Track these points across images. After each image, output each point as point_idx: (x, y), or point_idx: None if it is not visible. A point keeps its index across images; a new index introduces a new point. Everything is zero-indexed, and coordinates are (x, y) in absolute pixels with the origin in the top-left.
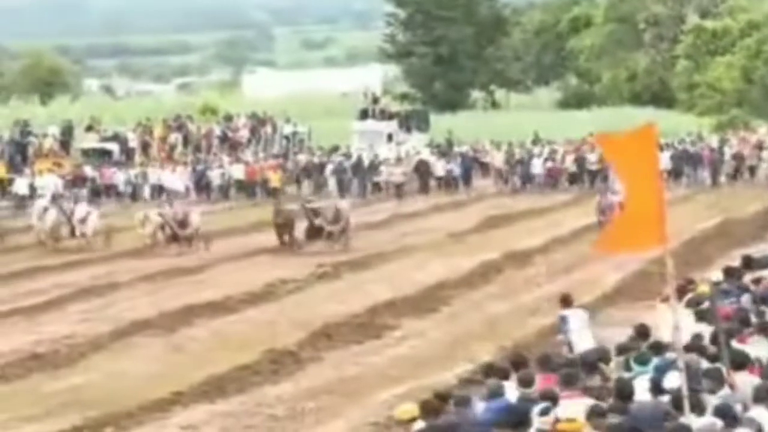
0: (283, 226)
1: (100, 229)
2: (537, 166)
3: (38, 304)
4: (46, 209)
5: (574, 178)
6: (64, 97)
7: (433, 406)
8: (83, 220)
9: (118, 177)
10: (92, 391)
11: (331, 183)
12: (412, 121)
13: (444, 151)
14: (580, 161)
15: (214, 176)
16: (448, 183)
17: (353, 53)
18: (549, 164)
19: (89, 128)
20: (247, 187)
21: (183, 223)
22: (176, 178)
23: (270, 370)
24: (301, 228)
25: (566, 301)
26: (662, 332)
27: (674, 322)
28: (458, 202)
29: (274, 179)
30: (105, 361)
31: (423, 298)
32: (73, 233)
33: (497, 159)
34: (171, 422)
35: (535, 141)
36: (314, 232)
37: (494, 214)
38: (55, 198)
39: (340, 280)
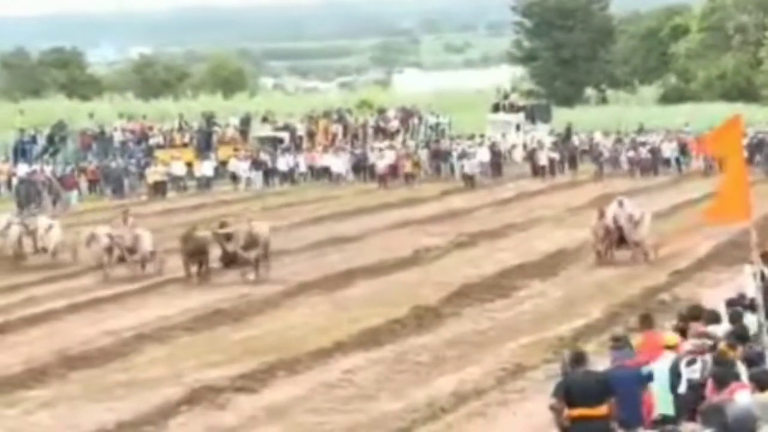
0: (193, 254)
1: (63, 242)
2: (642, 153)
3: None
4: (9, 225)
5: (670, 163)
6: (243, 93)
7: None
8: (46, 233)
9: (287, 161)
10: (267, 340)
11: (457, 166)
12: (537, 114)
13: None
14: (682, 148)
15: (382, 162)
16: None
17: (487, 56)
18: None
19: (264, 119)
20: (394, 172)
21: (132, 249)
22: (338, 162)
23: (416, 324)
24: (215, 255)
25: None
26: (748, 291)
27: (757, 283)
28: (574, 183)
29: (408, 165)
30: (277, 316)
31: (545, 263)
32: (36, 248)
33: (607, 146)
34: (333, 367)
35: (640, 131)
36: (230, 259)
37: (605, 192)
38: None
39: (476, 247)
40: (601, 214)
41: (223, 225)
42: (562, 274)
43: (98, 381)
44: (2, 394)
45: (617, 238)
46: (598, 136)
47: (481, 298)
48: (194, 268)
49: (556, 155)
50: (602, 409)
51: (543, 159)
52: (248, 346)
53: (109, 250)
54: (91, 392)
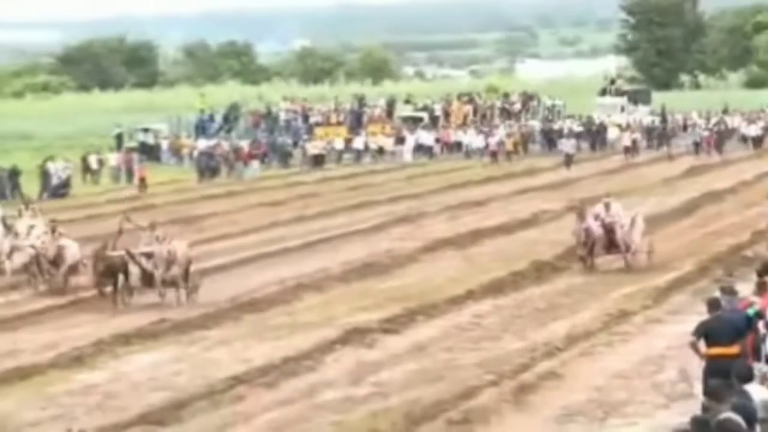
0: (105, 274)
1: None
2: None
3: (368, 227)
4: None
5: (755, 141)
6: (389, 79)
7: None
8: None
9: (425, 137)
10: (408, 289)
11: (565, 144)
12: (638, 97)
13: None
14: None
15: (494, 140)
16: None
17: (596, 48)
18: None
19: (406, 101)
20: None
21: (55, 261)
22: (470, 139)
23: (534, 276)
24: (134, 274)
25: None
26: None
27: None
28: (670, 156)
29: (510, 144)
30: (417, 269)
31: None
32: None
33: (700, 124)
34: (464, 312)
35: (725, 111)
36: (149, 279)
37: (696, 165)
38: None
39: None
40: (581, 217)
41: (155, 234)
42: (657, 233)
43: (265, 323)
44: (185, 335)
45: (607, 242)
46: (695, 116)
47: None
48: (109, 288)
49: (638, 136)
50: (734, 349)
51: (627, 140)
52: (392, 294)
53: (36, 261)
54: (259, 332)
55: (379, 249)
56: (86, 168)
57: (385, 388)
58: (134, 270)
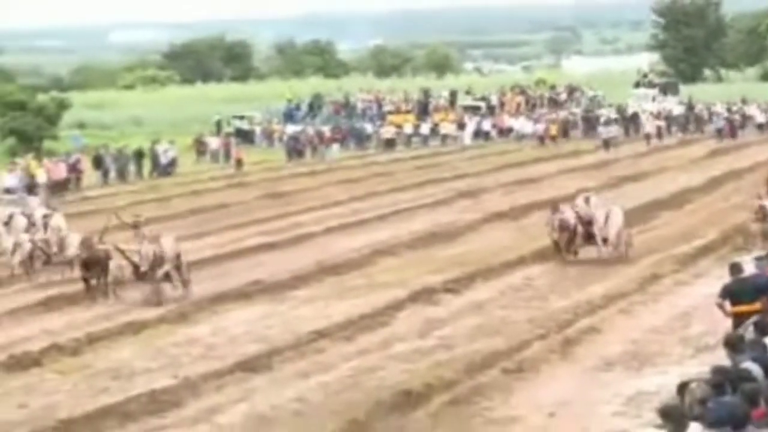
0: (89, 265)
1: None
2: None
3: (435, 201)
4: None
5: (760, 126)
6: (451, 73)
7: None
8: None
9: (485, 124)
10: (468, 256)
11: (604, 130)
12: (668, 89)
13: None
14: None
15: (540, 126)
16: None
17: (631, 46)
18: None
19: (466, 93)
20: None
21: (61, 247)
22: (522, 124)
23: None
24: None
25: None
26: None
27: None
28: (693, 140)
29: (554, 129)
30: (476, 238)
31: (674, 199)
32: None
33: (722, 113)
34: (517, 275)
35: (744, 101)
36: (140, 275)
37: (718, 148)
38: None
39: (621, 188)
40: (555, 209)
41: (136, 225)
42: (685, 207)
43: (345, 284)
44: (274, 294)
45: (584, 234)
46: (718, 106)
47: (627, 225)
48: (93, 281)
49: (662, 123)
50: (756, 305)
51: (648, 127)
52: (455, 260)
53: (30, 255)
54: (339, 292)
55: (443, 220)
56: (199, 150)
57: (448, 341)
58: (125, 264)
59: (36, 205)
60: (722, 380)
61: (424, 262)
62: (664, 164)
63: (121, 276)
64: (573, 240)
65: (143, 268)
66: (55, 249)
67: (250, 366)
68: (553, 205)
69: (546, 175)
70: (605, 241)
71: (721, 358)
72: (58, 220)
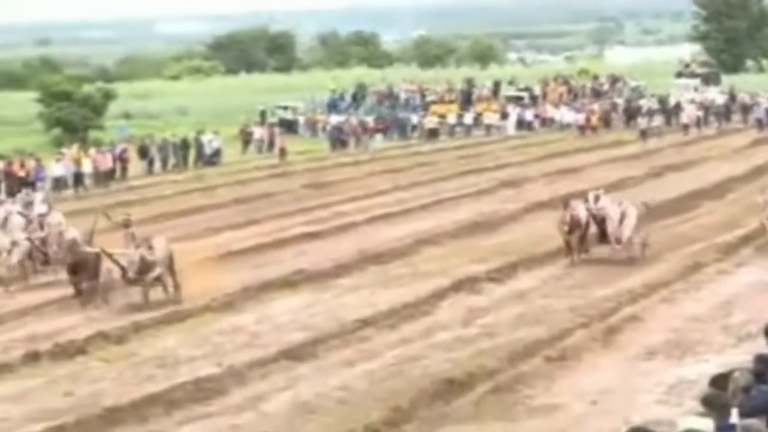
0: (75, 268)
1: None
2: None
3: (478, 191)
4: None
5: None
6: (494, 64)
7: None
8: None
9: (528, 114)
10: (510, 245)
11: (641, 121)
12: (709, 79)
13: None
14: None
15: (581, 116)
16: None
17: (673, 37)
18: None
19: (510, 83)
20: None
21: (60, 245)
22: (564, 114)
23: None
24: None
25: None
26: None
27: None
28: (735, 130)
29: (594, 120)
30: (518, 228)
31: (717, 188)
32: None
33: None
34: (559, 264)
35: None
36: (130, 280)
37: (759, 137)
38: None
39: (662, 177)
40: (566, 206)
41: (126, 224)
42: (727, 197)
43: (388, 273)
44: (318, 283)
45: (599, 233)
46: (761, 95)
47: (668, 215)
48: (81, 285)
49: (700, 113)
50: None
51: (685, 117)
52: (497, 249)
53: (29, 254)
54: (383, 281)
55: (486, 210)
56: (244, 140)
57: (491, 330)
58: (113, 268)
59: (39, 202)
60: (764, 369)
61: (466, 252)
62: (706, 154)
63: (110, 280)
64: (584, 237)
65: (130, 275)
66: (55, 247)
67: (294, 354)
68: (565, 201)
69: (587, 164)
70: (618, 241)
71: (762, 346)
72: (56, 217)
